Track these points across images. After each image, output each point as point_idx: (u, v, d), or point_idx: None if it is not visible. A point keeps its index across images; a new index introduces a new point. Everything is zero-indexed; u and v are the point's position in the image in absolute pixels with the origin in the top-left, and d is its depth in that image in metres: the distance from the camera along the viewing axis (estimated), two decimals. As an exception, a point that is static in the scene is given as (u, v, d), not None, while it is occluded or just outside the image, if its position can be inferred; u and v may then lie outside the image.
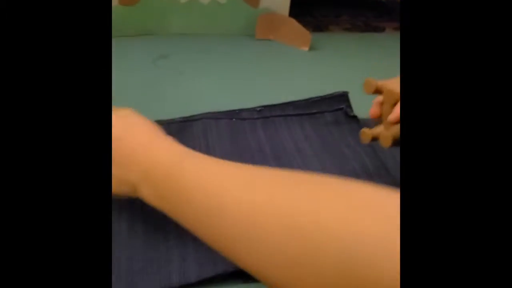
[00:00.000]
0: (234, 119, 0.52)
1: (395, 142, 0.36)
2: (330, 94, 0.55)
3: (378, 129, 0.38)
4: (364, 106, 0.43)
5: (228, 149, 0.47)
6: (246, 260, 0.22)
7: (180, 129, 0.50)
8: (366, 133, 0.39)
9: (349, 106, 0.54)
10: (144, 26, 0.76)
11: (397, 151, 0.45)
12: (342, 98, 0.55)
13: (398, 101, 0.36)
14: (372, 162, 0.46)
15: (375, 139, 0.38)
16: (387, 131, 0.36)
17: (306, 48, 0.76)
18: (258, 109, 0.54)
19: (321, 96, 0.55)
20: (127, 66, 0.67)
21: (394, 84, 0.37)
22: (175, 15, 0.75)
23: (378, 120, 0.39)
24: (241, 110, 0.53)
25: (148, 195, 0.29)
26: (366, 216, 0.18)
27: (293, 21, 0.76)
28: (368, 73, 0.41)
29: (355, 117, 0.53)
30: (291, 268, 0.20)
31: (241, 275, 0.31)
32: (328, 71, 0.70)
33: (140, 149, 0.29)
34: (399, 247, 0.16)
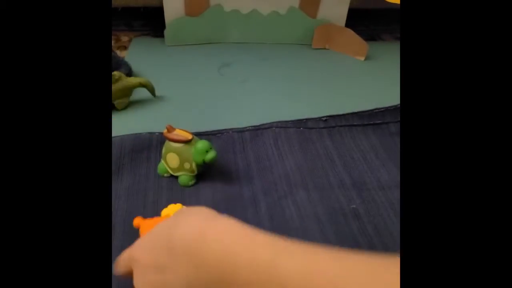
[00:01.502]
0: (301, 128, 0.54)
1: None
2: (394, 106, 0.57)
3: None
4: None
5: (299, 158, 0.49)
6: None
7: (252, 137, 0.53)
8: None
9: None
10: (207, 35, 0.80)
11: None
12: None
13: None
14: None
15: None
16: None
17: (362, 58, 0.78)
18: (324, 118, 0.56)
19: (385, 107, 0.57)
20: (195, 74, 0.70)
21: None
22: (236, 25, 0.78)
23: None
24: (307, 120, 0.56)
25: None
26: None
27: (350, 32, 0.78)
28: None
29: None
30: None
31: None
32: (385, 80, 0.71)
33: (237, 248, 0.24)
34: None
